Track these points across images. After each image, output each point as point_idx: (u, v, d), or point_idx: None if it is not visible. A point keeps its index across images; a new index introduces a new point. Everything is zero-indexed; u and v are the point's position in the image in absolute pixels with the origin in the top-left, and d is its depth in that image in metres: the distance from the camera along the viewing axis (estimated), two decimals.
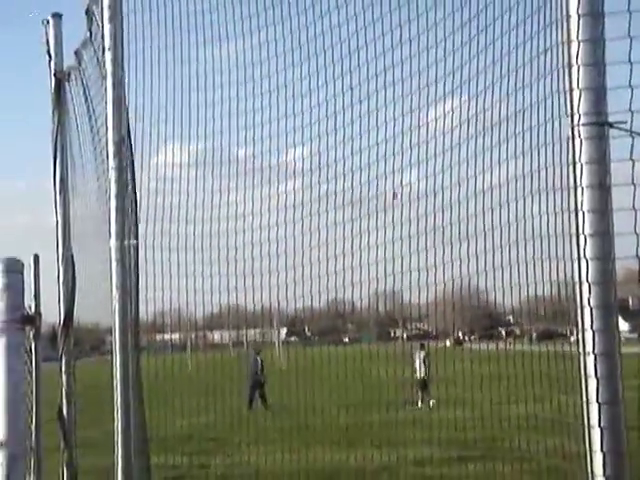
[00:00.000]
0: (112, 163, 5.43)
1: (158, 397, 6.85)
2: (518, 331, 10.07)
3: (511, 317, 8.41)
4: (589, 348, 2.92)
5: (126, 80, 5.57)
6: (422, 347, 23.68)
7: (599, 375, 2.91)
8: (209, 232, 5.58)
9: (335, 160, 5.03)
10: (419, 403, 24.51)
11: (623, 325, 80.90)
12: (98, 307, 6.39)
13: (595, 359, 2.91)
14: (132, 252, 5.42)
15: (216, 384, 8.05)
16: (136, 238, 5.49)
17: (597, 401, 2.89)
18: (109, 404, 5.46)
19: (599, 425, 2.89)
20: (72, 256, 6.96)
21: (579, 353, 3.00)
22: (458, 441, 13.77)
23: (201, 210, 5.63)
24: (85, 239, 7.08)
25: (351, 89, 4.83)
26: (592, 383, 2.91)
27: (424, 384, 25.61)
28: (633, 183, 2.87)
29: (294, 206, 5.23)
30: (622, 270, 3.41)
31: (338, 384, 7.83)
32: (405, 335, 11.50)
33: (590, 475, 2.97)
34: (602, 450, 2.89)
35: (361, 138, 4.82)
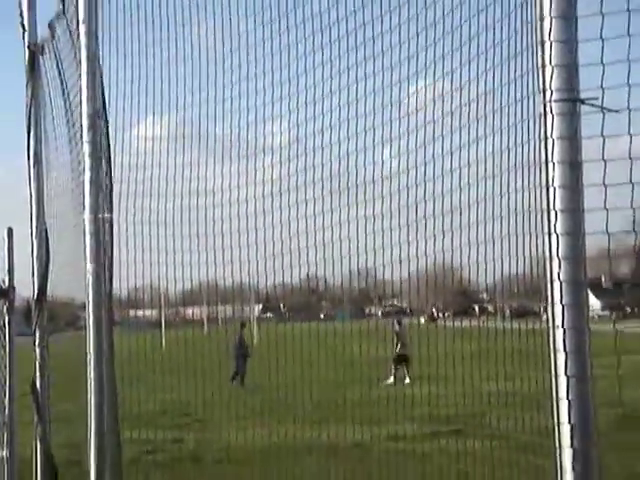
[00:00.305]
0: (86, 136, 5.40)
1: (131, 373, 6.86)
2: (492, 308, 10.14)
3: (485, 295, 8.47)
4: (558, 322, 2.96)
5: (100, 53, 5.55)
6: (399, 323, 23.84)
7: (568, 349, 2.94)
8: (180, 206, 5.59)
9: (308, 135, 5.03)
10: (392, 379, 24.57)
11: (596, 303, 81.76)
12: (73, 282, 6.38)
13: (564, 333, 2.94)
14: (106, 226, 5.42)
15: (189, 361, 8.06)
16: (110, 212, 5.49)
17: (565, 374, 2.92)
18: (83, 379, 5.47)
19: (567, 398, 2.93)
20: (46, 230, 6.93)
21: (548, 327, 3.04)
22: (432, 417, 13.88)
23: (172, 183, 5.63)
24: (60, 213, 7.05)
25: (322, 65, 4.83)
26: (561, 357, 2.95)
27: (402, 360, 25.71)
28: (604, 159, 2.90)
29: (264, 181, 5.24)
30: (595, 249, 3.45)
31: (311, 361, 7.87)
32: (380, 312, 11.55)
33: (558, 447, 3.01)
34: (570, 422, 2.93)
35: (331, 113, 4.83)
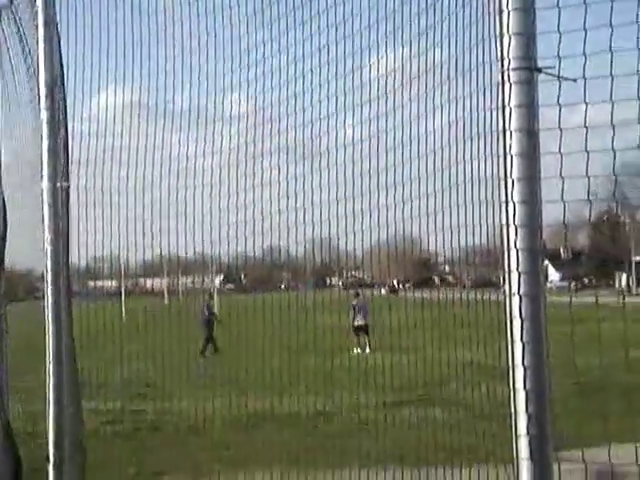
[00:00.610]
0: (44, 104, 5.34)
1: (90, 344, 6.83)
2: (452, 279, 10.22)
3: (446, 266, 8.52)
4: (515, 289, 2.99)
5: (58, 18, 5.47)
6: (357, 295, 23.99)
7: (524, 316, 2.98)
8: (142, 174, 5.55)
9: (269, 104, 5.02)
10: (355, 350, 24.80)
11: (555, 275, 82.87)
12: (31, 253, 6.33)
13: (520, 300, 2.98)
14: (63, 195, 5.37)
15: (149, 331, 8.02)
16: (67, 180, 5.43)
17: (521, 341, 2.96)
18: (42, 349, 5.44)
19: (522, 364, 2.97)
20: (3, 199, 6.85)
21: (505, 295, 3.07)
22: (393, 387, 13.96)
23: (134, 152, 5.57)
24: (18, 182, 6.97)
25: (287, 31, 4.81)
26: (517, 324, 2.99)
27: (361, 331, 25.95)
28: (560, 128, 2.93)
29: (229, 149, 5.22)
30: (554, 221, 3.48)
31: (273, 331, 7.89)
32: (341, 283, 11.58)
33: (514, 413, 3.06)
34: (525, 388, 2.97)
35: (296, 81, 4.82)
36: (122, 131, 5.70)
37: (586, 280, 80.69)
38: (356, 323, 26.02)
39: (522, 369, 2.98)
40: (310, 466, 8.81)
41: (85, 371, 6.36)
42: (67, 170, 5.48)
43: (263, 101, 5.06)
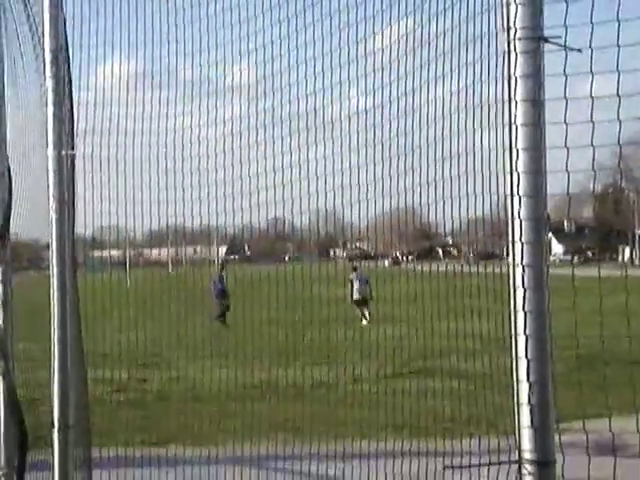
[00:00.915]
0: (49, 72, 5.33)
1: (96, 313, 6.86)
2: (455, 251, 10.23)
3: (449, 238, 8.52)
4: (518, 260, 3.00)
5: None
6: (355, 269, 24.12)
7: (526, 286, 2.99)
8: (149, 144, 5.54)
9: (273, 73, 5.00)
10: (364, 321, 24.92)
11: (558, 247, 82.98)
12: (37, 223, 6.33)
13: (523, 270, 2.99)
14: (69, 163, 5.37)
15: (155, 301, 8.05)
16: (73, 148, 5.43)
17: (523, 310, 2.98)
18: (47, 318, 5.46)
19: (524, 333, 2.99)
20: (9, 167, 6.84)
21: (508, 265, 3.08)
22: (394, 358, 14.00)
23: (140, 121, 5.57)
24: (24, 153, 6.96)
25: (287, 2, 4.78)
26: (519, 293, 3.00)
27: (362, 304, 26.03)
28: (565, 98, 2.92)
29: (232, 119, 5.22)
30: (559, 194, 3.48)
31: (277, 302, 7.92)
32: (345, 254, 11.60)
33: (515, 382, 3.08)
34: (527, 357, 2.99)
35: (298, 51, 4.80)
36: (127, 100, 5.69)
37: (589, 253, 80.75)
38: (356, 296, 26.12)
39: (524, 338, 2.99)
40: (312, 436, 8.87)
41: (89, 341, 6.39)
42: (72, 139, 5.48)
43: (264, 71, 5.04)
